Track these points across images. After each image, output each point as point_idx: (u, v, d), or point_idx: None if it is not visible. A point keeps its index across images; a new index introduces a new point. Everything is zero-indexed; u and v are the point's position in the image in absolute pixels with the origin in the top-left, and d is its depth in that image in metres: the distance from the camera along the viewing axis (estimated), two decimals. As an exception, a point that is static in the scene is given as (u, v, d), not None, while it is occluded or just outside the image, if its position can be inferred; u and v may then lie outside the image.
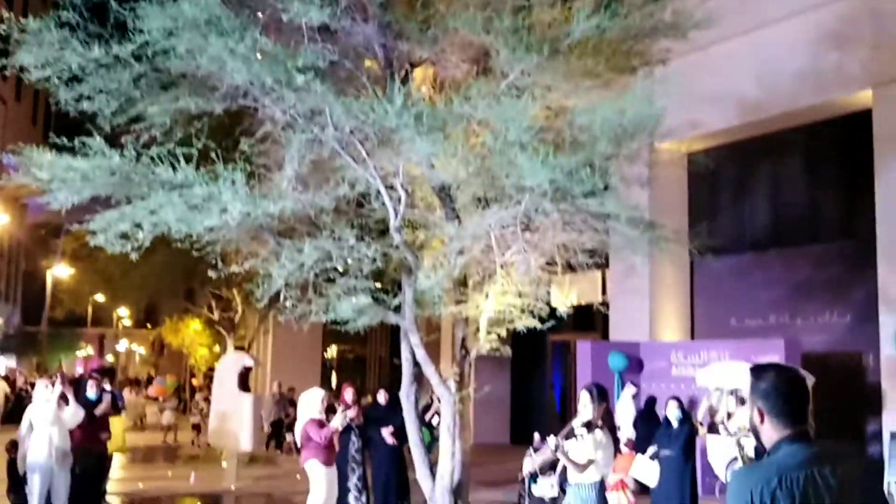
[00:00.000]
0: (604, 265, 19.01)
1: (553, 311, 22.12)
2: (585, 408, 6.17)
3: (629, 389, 14.43)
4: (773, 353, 14.18)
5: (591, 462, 6.04)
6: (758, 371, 2.89)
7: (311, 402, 9.70)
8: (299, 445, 9.54)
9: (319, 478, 9.27)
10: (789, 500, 2.63)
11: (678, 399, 9.37)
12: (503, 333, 8.58)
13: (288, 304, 7.97)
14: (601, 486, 6.14)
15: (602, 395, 6.31)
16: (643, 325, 17.54)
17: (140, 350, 45.84)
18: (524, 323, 8.39)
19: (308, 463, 9.43)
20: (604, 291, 20.22)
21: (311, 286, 8.26)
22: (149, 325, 41.10)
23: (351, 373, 27.63)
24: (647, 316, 17.61)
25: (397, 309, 8.43)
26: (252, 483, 13.98)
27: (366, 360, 30.58)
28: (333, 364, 31.42)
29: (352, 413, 11.28)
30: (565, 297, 17.18)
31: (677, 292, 17.95)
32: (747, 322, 16.80)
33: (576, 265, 8.43)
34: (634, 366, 16.29)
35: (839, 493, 2.69)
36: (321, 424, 9.56)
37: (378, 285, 8.45)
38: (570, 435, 6.13)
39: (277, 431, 19.11)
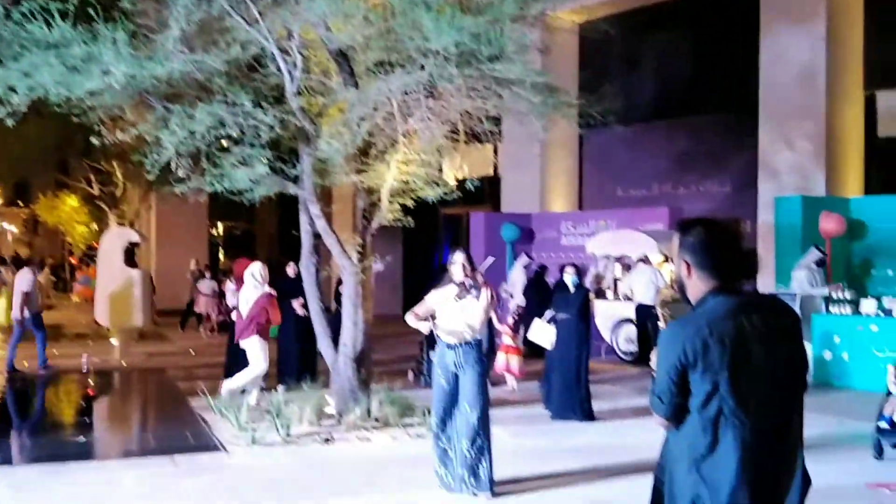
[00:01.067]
0: (496, 139, 19.15)
1: (446, 184, 22.04)
2: (463, 268, 6.23)
3: (521, 259, 14.75)
4: (658, 222, 14.75)
5: (481, 319, 6.15)
6: (686, 225, 2.86)
7: (259, 277, 9.32)
8: (245, 319, 9.21)
9: (260, 353, 9.12)
10: (720, 348, 2.65)
11: (575, 265, 9.62)
12: (407, 204, 8.51)
13: (180, 173, 7.61)
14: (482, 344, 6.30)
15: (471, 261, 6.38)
16: (534, 197, 17.83)
17: (12, 229, 43.74)
18: (428, 193, 8.33)
19: (252, 339, 9.14)
20: (495, 165, 20.40)
21: (203, 155, 7.91)
22: (20, 203, 38.96)
23: (239, 249, 27.11)
24: (537, 188, 17.89)
25: (296, 179, 8.20)
26: (145, 359, 13.75)
27: (255, 237, 30.07)
28: (221, 241, 30.78)
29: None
30: (457, 171, 17.14)
31: (566, 164, 18.25)
32: (633, 192, 17.33)
33: (469, 138, 8.34)
34: (526, 237, 16.67)
35: (769, 341, 2.72)
36: (272, 299, 9.34)
37: (276, 154, 8.16)
38: (464, 294, 6.17)
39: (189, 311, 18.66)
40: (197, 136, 7.47)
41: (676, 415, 2.75)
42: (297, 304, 10.17)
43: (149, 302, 14.69)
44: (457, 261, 6.31)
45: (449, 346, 6.23)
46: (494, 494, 6.11)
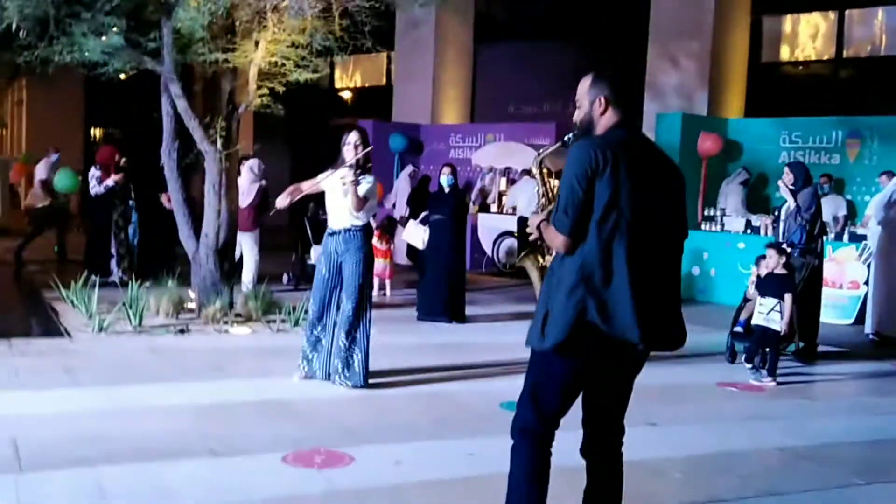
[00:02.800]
0: (389, 48, 18.64)
1: (336, 93, 21.42)
2: (356, 150, 5.91)
3: (407, 169, 14.51)
4: (546, 137, 14.68)
5: (367, 202, 5.85)
6: (598, 70, 3.18)
7: (256, 171, 9.88)
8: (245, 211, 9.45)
9: (256, 246, 9.74)
10: (624, 167, 2.91)
11: (451, 165, 9.42)
12: (276, 88, 8.08)
13: (21, 36, 6.95)
14: (369, 230, 6.03)
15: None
16: (425, 109, 17.52)
17: None
18: (298, 76, 7.92)
19: (255, 232, 9.72)
20: (388, 75, 19.92)
21: (52, 21, 7.26)
22: None
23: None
24: (429, 100, 17.56)
25: (155, 53, 7.65)
26: (1, 253, 12.95)
27: (137, 141, 28.71)
28: (101, 142, 29.30)
29: (116, 177, 10.55)
30: (348, 80, 16.55)
31: (459, 78, 17.95)
32: (524, 109, 17.23)
33: (360, 38, 7.93)
34: (415, 148, 16.38)
35: (663, 176, 3.07)
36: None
37: (133, 25, 7.56)
38: (353, 177, 5.83)
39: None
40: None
41: (576, 232, 2.90)
42: (164, 199, 9.64)
43: (6, 194, 13.77)
44: (350, 141, 5.94)
45: (331, 233, 5.95)
46: (366, 387, 5.91)
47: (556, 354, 2.93)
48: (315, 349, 6.03)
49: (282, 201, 5.89)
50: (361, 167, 5.91)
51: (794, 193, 7.78)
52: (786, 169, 8.10)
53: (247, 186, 9.63)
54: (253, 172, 9.82)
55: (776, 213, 8.56)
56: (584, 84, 3.15)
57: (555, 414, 3.05)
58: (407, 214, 12.01)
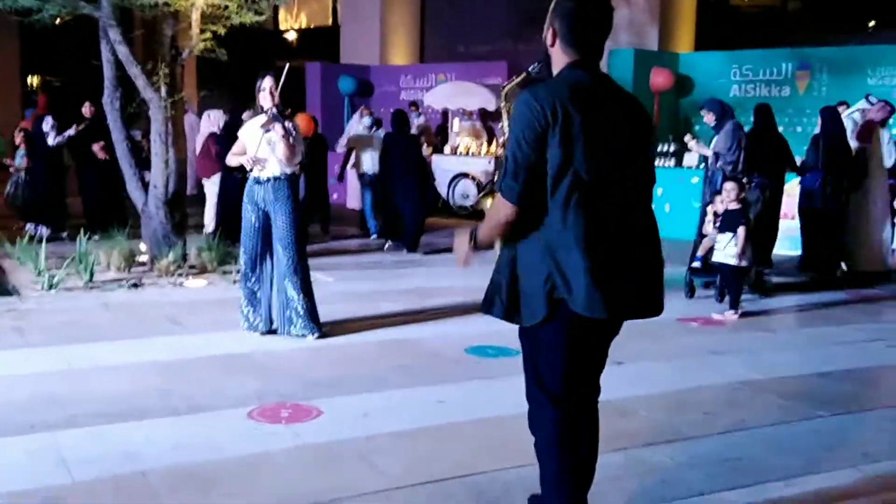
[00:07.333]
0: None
1: (281, 34, 20.94)
2: (271, 95, 5.72)
3: (359, 112, 14.22)
4: (498, 76, 14.53)
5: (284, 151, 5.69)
6: None
7: (212, 118, 10.40)
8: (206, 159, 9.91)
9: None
10: (578, 116, 2.56)
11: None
12: (219, 31, 7.78)
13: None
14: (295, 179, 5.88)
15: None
16: (374, 50, 17.18)
17: None
18: (242, 19, 7.63)
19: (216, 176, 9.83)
20: (334, 15, 19.44)
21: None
22: None
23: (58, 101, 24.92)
24: (377, 40, 17.23)
25: (92, -2, 7.29)
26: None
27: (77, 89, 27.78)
28: (39, 91, 28.31)
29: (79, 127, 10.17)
30: (294, 20, 16.07)
31: (408, 18, 17.62)
32: (474, 48, 16.96)
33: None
34: (365, 90, 16.06)
35: (623, 119, 2.68)
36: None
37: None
38: (271, 124, 5.66)
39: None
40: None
41: (527, 194, 2.58)
42: (96, 147, 9.31)
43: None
44: (265, 87, 5.73)
45: (258, 181, 5.77)
46: (321, 335, 5.84)
47: (540, 327, 2.69)
48: (251, 303, 5.89)
49: (245, 162, 5.75)
50: (282, 113, 5.74)
51: (716, 131, 7.82)
52: (702, 110, 8.09)
53: (203, 135, 10.06)
54: (209, 120, 10.29)
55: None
56: (551, 7, 2.73)
57: (562, 389, 2.76)
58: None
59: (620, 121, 2.67)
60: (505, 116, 3.22)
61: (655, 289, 2.77)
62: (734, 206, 6.97)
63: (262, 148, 5.72)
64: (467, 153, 13.45)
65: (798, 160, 8.61)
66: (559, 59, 2.71)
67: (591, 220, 2.57)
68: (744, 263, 6.88)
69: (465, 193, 13.44)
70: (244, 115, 9.50)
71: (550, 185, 2.57)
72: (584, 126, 2.55)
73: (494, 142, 13.55)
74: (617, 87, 2.76)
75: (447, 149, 14.17)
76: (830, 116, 8.48)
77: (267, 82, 5.73)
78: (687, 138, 8.20)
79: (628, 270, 2.65)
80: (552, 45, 2.71)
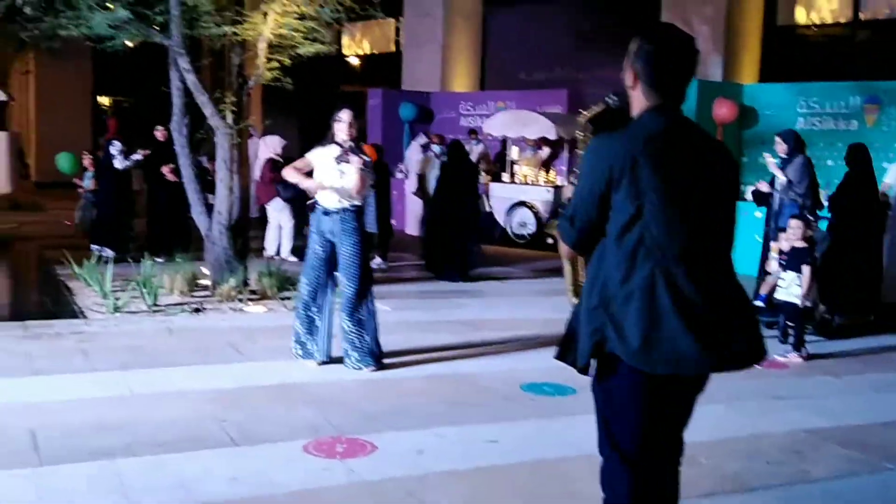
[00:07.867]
0: (397, 14, 18.36)
1: (344, 60, 21.19)
2: (349, 128, 5.79)
3: (419, 139, 14.34)
4: (557, 104, 14.51)
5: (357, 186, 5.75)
6: (647, 31, 2.58)
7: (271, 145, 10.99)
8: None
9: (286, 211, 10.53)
10: (651, 167, 2.42)
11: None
12: (285, 62, 7.93)
13: (27, 11, 6.82)
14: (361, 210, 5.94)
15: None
16: (435, 76, 17.30)
17: None
18: (308, 49, 7.77)
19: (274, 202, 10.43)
20: (397, 42, 19.64)
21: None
22: None
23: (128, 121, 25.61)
24: (438, 67, 17.34)
25: (163, 27, 7.50)
26: (15, 228, 12.91)
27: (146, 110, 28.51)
28: (109, 113, 29.16)
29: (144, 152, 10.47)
30: (356, 46, 16.28)
31: (469, 44, 17.71)
32: (535, 75, 16.94)
33: (367, 7, 7.77)
34: (425, 116, 16.19)
35: (703, 158, 2.54)
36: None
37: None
38: (345, 156, 5.74)
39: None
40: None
41: (584, 241, 2.56)
42: (165, 170, 9.54)
43: (14, 167, 13.67)
44: (343, 119, 5.80)
45: (325, 212, 5.84)
46: (379, 368, 5.87)
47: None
48: (310, 332, 5.94)
49: (310, 185, 5.84)
50: (357, 148, 5.81)
51: (785, 164, 7.64)
52: (777, 138, 7.92)
53: (262, 160, 10.44)
54: (265, 145, 10.55)
55: (771, 183, 8.28)
56: (631, 46, 2.60)
57: (637, 448, 2.56)
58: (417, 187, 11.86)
59: (704, 170, 2.53)
60: (581, 147, 3.16)
61: (744, 334, 2.63)
62: (800, 244, 6.83)
63: (333, 178, 5.80)
64: (525, 181, 13.43)
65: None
66: (639, 101, 2.59)
67: (654, 277, 2.43)
68: (808, 304, 6.72)
69: (523, 222, 13.41)
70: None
71: (615, 236, 2.47)
72: (661, 177, 2.43)
73: (552, 170, 13.52)
74: (701, 134, 2.63)
75: (505, 177, 14.19)
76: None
77: (345, 115, 5.81)
78: (766, 155, 8.01)
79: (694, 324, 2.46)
80: (632, 87, 2.59)
